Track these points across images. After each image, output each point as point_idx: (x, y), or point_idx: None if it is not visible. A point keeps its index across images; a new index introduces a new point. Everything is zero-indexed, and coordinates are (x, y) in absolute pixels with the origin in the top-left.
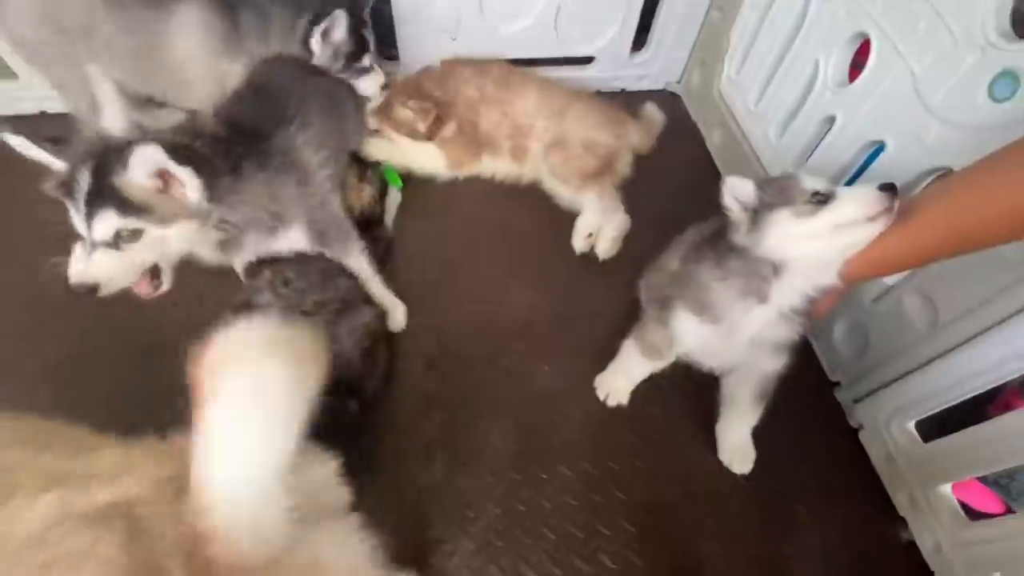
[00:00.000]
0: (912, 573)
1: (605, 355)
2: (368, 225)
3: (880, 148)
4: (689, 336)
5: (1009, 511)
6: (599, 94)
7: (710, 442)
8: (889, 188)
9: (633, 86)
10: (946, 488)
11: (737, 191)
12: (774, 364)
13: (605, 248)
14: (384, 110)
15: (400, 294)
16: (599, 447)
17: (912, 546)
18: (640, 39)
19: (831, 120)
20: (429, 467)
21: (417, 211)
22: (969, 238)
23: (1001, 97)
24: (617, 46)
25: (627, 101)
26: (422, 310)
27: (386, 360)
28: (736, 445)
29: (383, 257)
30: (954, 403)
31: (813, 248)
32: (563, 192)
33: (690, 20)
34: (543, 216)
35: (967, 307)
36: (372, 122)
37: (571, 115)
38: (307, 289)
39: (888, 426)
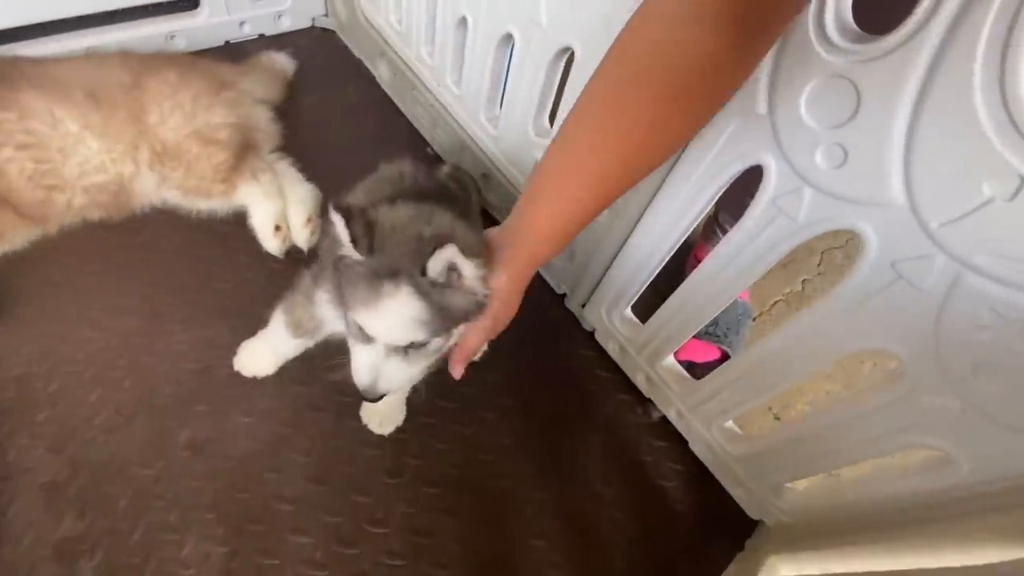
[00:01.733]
0: (669, 443)
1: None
2: None
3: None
4: (334, 322)
5: (725, 357)
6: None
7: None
8: None
9: (271, 29)
10: (669, 359)
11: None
12: None
13: (305, 235)
14: None
15: None
16: (341, 488)
17: (664, 421)
18: None
19: (464, 23)
20: None
21: None
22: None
23: None
24: None
25: (269, 45)
26: (18, 424)
27: None
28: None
29: None
30: (649, 280)
31: None
32: (211, 205)
33: None
34: (181, 232)
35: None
36: None
37: (152, 108)
38: None
39: (611, 319)
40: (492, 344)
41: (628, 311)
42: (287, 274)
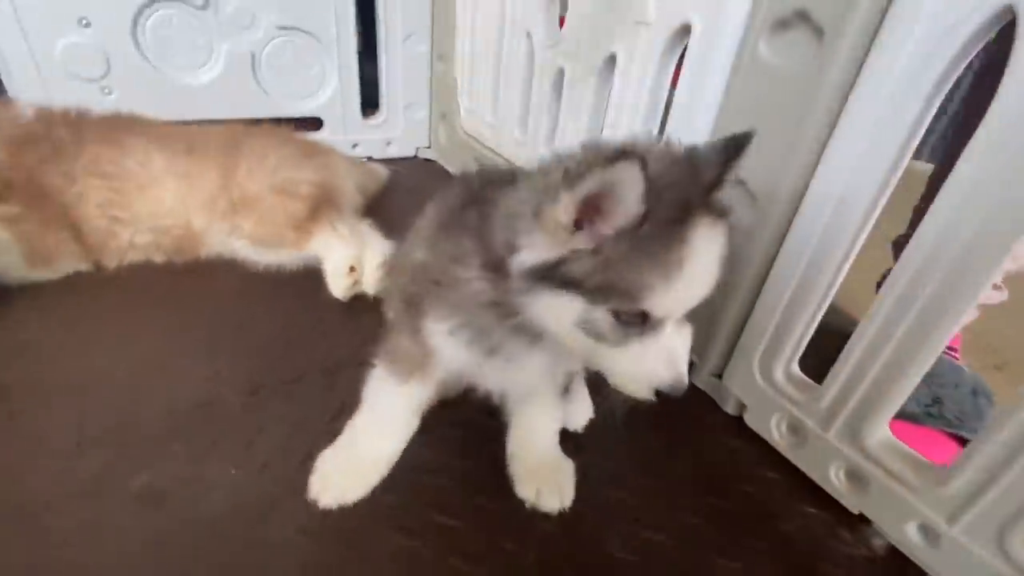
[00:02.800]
0: None
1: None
2: None
3: None
4: (447, 350)
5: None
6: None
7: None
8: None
9: (380, 153)
10: (883, 431)
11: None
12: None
13: (375, 279)
14: None
15: None
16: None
17: (895, 553)
18: (374, 101)
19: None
20: None
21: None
22: None
23: None
24: (343, 106)
25: None
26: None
27: None
28: (538, 463)
29: None
30: (826, 303)
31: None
32: (281, 256)
33: (416, 76)
34: (234, 281)
35: (774, 171)
36: None
37: (243, 164)
38: None
39: (771, 382)
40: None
41: (795, 366)
42: (331, 325)
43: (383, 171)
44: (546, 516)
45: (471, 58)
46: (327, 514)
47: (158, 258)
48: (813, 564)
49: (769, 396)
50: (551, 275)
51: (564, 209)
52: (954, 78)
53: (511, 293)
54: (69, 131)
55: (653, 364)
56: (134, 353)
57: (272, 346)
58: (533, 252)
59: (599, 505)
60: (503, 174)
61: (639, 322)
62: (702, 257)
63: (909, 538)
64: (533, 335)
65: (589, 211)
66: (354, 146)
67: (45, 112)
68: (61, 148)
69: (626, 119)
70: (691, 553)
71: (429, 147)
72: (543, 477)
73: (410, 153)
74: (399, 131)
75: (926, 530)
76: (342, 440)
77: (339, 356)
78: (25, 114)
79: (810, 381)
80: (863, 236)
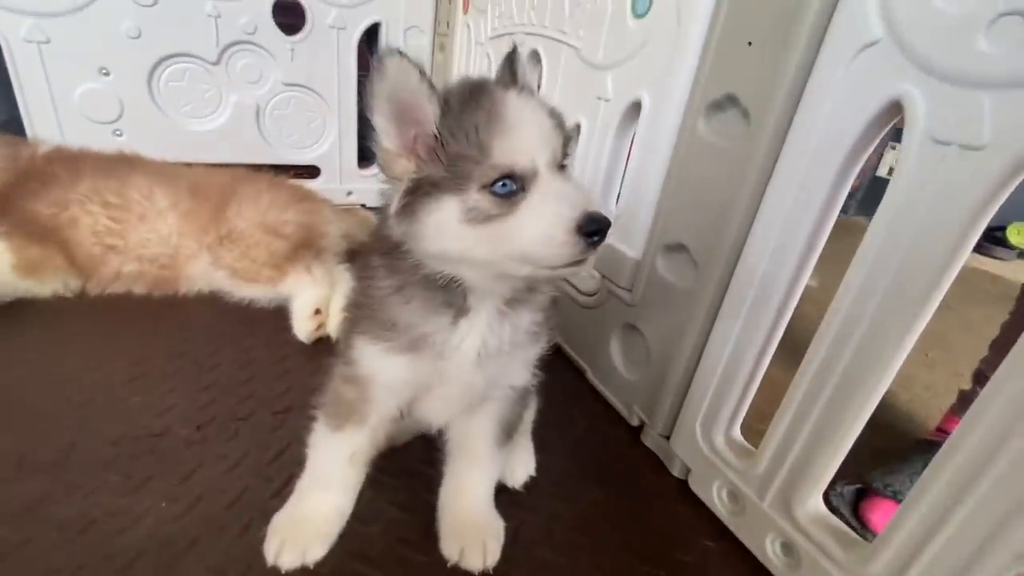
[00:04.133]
0: None
1: (287, 466)
2: None
3: None
4: (384, 373)
5: None
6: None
7: None
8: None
9: (372, 201)
10: (815, 501)
11: (397, 93)
12: (519, 382)
13: (338, 322)
14: None
15: None
16: None
17: None
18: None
19: None
20: None
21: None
22: None
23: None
24: (341, 157)
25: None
26: None
27: None
28: (466, 519)
29: None
30: (763, 368)
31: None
32: (256, 292)
33: None
34: (208, 313)
35: (712, 234)
36: None
37: (236, 203)
38: None
39: (712, 444)
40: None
41: (736, 431)
42: (291, 366)
43: (373, 218)
44: (468, 574)
45: None
46: (244, 558)
47: (139, 289)
48: None
49: (711, 461)
50: (417, 200)
51: (384, 136)
52: (866, 153)
53: (404, 240)
54: (64, 166)
55: (553, 209)
56: (95, 380)
57: (229, 383)
58: (398, 197)
59: (527, 565)
60: None
61: (514, 188)
62: (516, 103)
63: None
64: (455, 305)
65: (405, 133)
66: (349, 193)
67: (52, 151)
68: (54, 180)
69: (588, 181)
70: None
71: None
72: (469, 536)
73: None
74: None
75: None
76: (292, 499)
77: (292, 398)
78: (26, 153)
79: (748, 446)
80: (797, 290)
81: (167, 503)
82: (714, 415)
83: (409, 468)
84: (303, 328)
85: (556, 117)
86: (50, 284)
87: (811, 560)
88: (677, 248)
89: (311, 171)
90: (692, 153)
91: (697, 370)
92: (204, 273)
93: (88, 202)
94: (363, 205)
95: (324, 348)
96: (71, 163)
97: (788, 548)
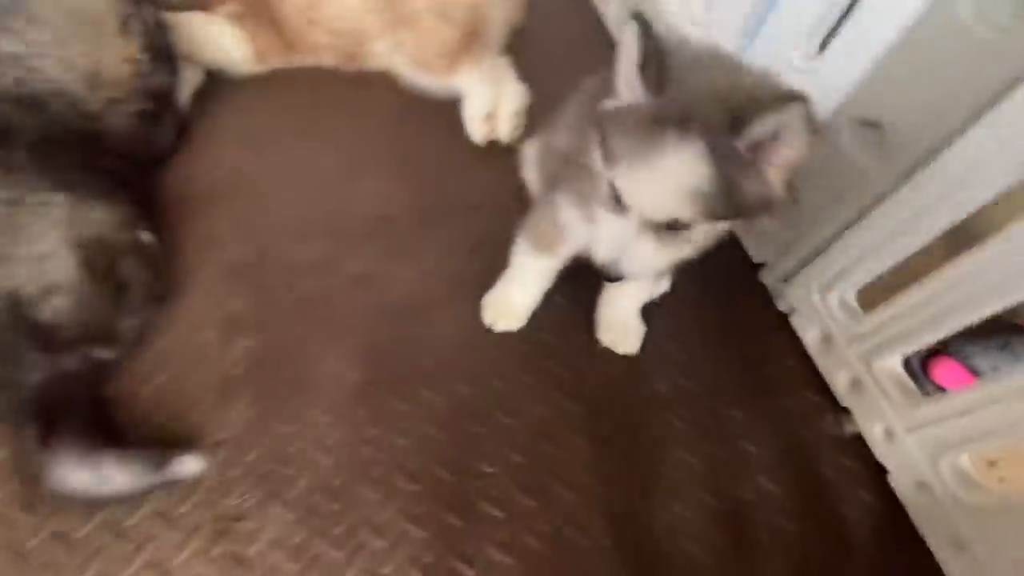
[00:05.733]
0: (861, 466)
1: (486, 256)
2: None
3: None
4: (576, 231)
5: None
6: None
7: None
8: None
9: None
10: (893, 362)
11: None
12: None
13: (509, 128)
14: None
15: (194, 191)
16: (480, 364)
17: (859, 440)
18: None
19: None
20: (226, 412)
21: (222, 92)
22: None
23: None
24: None
25: None
26: (225, 208)
27: (147, 280)
28: (618, 320)
29: (172, 143)
30: (900, 260)
31: None
32: (430, 81)
33: None
34: (397, 98)
35: (919, 125)
36: None
37: None
38: None
39: (825, 301)
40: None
41: (851, 295)
42: (481, 158)
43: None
44: (615, 356)
45: None
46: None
47: (327, 62)
48: (797, 431)
49: (818, 310)
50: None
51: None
52: None
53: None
54: None
55: (597, 236)
56: (325, 156)
57: (422, 171)
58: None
59: (655, 354)
60: None
61: (612, 194)
62: (646, 171)
63: (874, 434)
64: None
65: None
66: None
67: None
68: None
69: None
70: (708, 399)
71: None
72: (617, 330)
73: None
74: None
75: (889, 432)
76: (498, 286)
77: (480, 195)
78: None
79: (858, 309)
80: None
81: (413, 272)
82: (838, 278)
83: (575, 273)
84: (475, 130)
85: None
86: (272, 65)
87: (872, 394)
88: (869, 124)
89: None
90: (941, 33)
91: (841, 238)
92: (387, 55)
93: None
94: None
95: (495, 149)
96: None
97: (856, 384)
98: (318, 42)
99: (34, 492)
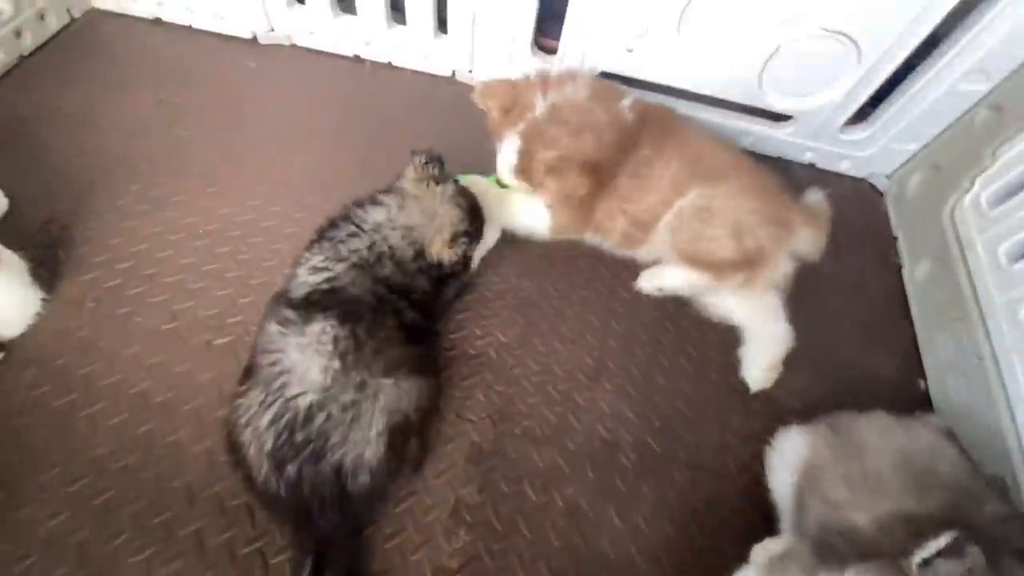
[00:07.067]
0: None
1: (706, 530)
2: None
3: None
4: None
5: None
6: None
7: None
8: None
9: (827, 165)
10: None
11: None
12: None
13: (760, 376)
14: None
15: (457, 353)
16: None
17: None
18: (862, 111)
19: None
20: None
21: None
22: None
23: None
24: (829, 113)
25: (812, 178)
26: (481, 381)
27: (417, 451)
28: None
29: (452, 300)
30: None
31: None
32: (693, 282)
33: (942, 108)
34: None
35: None
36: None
37: (723, 188)
38: None
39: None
40: None
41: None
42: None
43: (826, 213)
44: None
45: None
46: None
47: (611, 241)
48: None
49: None
50: None
51: None
52: None
53: None
54: (652, 140)
55: None
56: (577, 351)
57: (658, 403)
58: None
59: None
60: None
61: None
62: None
63: None
64: None
65: None
66: (805, 151)
67: (639, 104)
68: (633, 142)
69: None
70: None
71: (889, 177)
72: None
73: (861, 174)
74: (868, 152)
75: None
76: None
77: (707, 454)
78: (628, 104)
79: None
80: None
81: (623, 524)
82: None
83: None
84: (756, 377)
85: None
86: (563, 237)
87: None
88: None
89: (780, 118)
90: None
91: None
92: (660, 243)
93: (631, 172)
94: (812, 165)
95: (762, 406)
96: (658, 136)
97: None
98: (615, 227)
99: None
